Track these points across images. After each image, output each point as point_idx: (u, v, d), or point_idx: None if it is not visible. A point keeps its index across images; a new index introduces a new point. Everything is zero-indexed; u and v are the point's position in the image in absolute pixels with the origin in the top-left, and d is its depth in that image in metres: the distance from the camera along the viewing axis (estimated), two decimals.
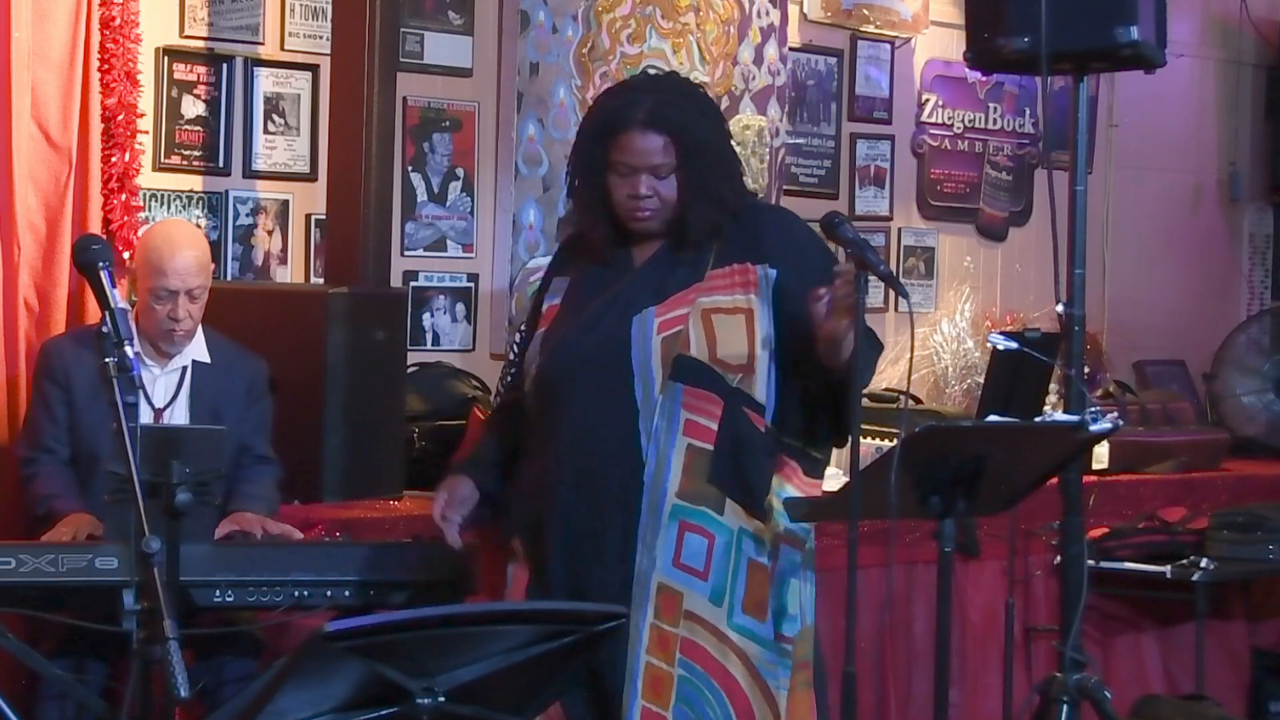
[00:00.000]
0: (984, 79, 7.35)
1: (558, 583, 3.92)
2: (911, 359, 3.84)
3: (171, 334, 4.68)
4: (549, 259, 4.33)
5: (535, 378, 4.02)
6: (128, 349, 3.40)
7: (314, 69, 5.87)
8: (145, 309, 4.69)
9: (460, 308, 6.21)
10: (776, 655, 3.94)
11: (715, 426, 3.90)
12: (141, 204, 5.36)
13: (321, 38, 5.82)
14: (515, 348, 4.74)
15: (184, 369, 4.75)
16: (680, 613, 3.88)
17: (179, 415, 4.72)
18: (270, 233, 5.84)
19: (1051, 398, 6.21)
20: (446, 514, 4.07)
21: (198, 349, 4.77)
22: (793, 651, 3.97)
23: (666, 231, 4.00)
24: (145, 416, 4.59)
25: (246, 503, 4.66)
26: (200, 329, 4.77)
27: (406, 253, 6.06)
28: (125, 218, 5.25)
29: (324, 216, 5.66)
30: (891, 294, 7.21)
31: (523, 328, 4.29)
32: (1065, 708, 4.50)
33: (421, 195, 6.15)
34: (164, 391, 4.73)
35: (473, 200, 6.25)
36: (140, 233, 5.12)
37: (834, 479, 5.98)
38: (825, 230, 3.93)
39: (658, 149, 3.93)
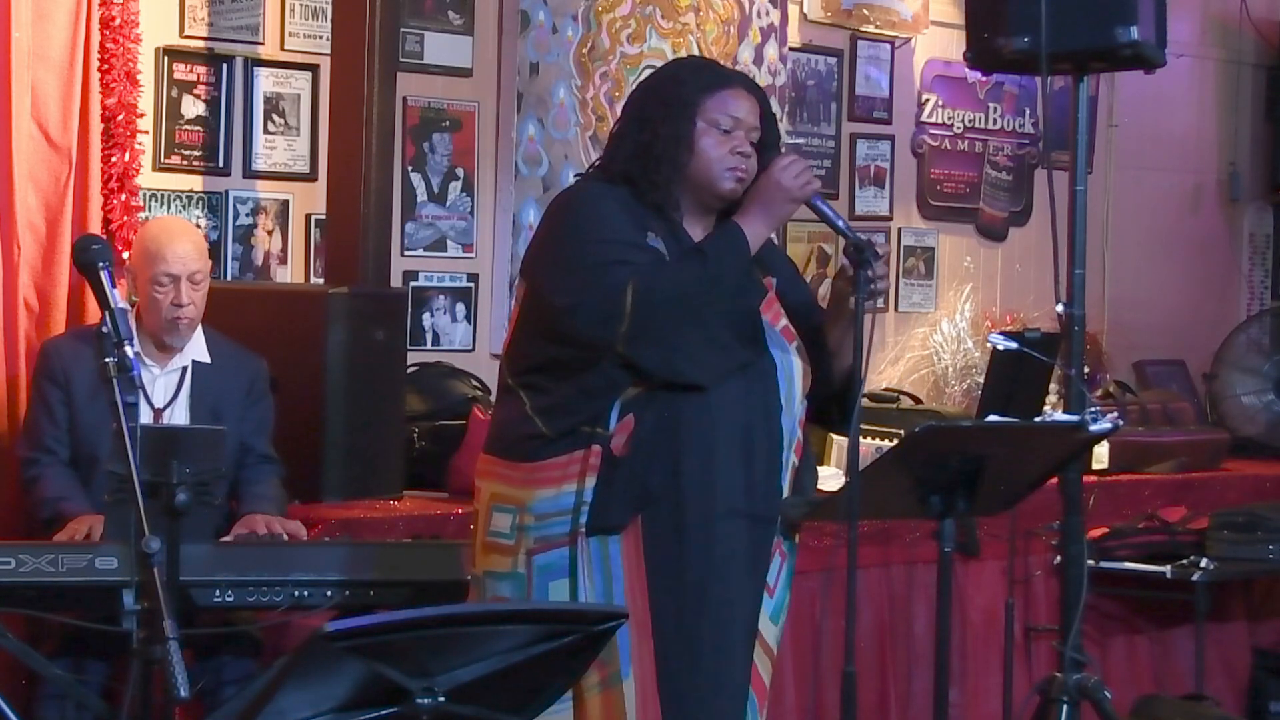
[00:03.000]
0: (984, 79, 7.34)
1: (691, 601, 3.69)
2: (872, 337, 3.71)
3: (177, 322, 4.67)
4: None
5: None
6: (127, 349, 3.39)
7: (314, 69, 5.87)
8: (148, 302, 4.69)
9: (460, 308, 6.21)
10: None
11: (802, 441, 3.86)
12: (141, 204, 5.36)
13: (321, 38, 5.81)
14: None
15: (184, 369, 4.75)
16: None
17: (179, 415, 4.72)
18: (270, 233, 5.83)
19: (1051, 398, 6.20)
20: None
21: (198, 349, 4.77)
22: None
23: (716, 208, 3.80)
24: (145, 417, 4.59)
25: (257, 504, 4.67)
26: (200, 329, 4.78)
27: (406, 253, 6.05)
28: (125, 218, 5.25)
29: (324, 216, 5.66)
30: (891, 294, 7.23)
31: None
32: (1065, 708, 4.49)
33: (421, 195, 6.14)
34: (164, 391, 4.72)
35: (473, 200, 6.24)
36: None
37: (834, 479, 6.00)
38: None
39: (756, 112, 3.77)
